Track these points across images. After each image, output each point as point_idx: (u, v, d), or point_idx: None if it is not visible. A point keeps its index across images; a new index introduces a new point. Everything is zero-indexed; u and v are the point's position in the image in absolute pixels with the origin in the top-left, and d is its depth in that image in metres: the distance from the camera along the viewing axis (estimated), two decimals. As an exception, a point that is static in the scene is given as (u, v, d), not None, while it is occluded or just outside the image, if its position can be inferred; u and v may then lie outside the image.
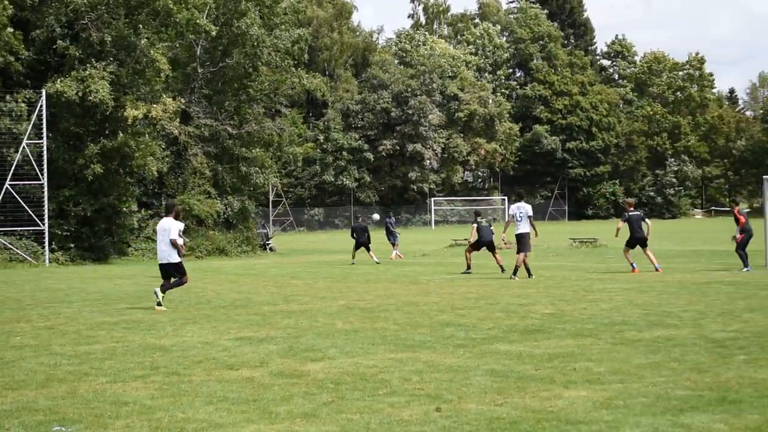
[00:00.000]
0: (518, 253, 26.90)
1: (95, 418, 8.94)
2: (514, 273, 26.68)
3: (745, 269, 27.91)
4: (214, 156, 49.62)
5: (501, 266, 28.96)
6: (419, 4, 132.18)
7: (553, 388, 10.00)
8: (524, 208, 27.15)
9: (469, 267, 30.25)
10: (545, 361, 11.72)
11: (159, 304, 19.47)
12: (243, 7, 46.97)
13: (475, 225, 30.64)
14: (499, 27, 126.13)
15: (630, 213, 29.06)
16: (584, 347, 12.84)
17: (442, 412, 8.88)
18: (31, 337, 15.17)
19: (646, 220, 29.21)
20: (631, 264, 28.32)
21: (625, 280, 25.46)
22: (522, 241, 26.82)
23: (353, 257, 37.91)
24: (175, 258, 19.79)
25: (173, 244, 19.61)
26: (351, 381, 10.61)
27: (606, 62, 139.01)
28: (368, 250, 37.45)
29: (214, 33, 44.76)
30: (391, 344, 13.51)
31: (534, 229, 27.18)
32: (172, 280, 20.05)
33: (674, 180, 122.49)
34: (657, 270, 27.82)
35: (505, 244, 31.03)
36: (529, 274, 26.80)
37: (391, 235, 42.54)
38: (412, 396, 9.69)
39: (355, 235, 38.06)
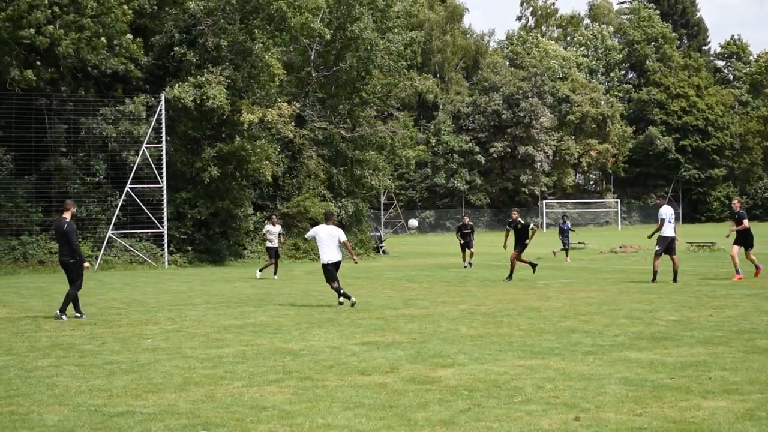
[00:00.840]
0: (673, 255, 26.68)
1: (237, 423, 9.09)
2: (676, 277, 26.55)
3: None
4: (328, 159, 49.98)
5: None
6: (528, 7, 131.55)
7: (690, 398, 9.89)
8: (672, 210, 27.21)
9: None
10: (678, 370, 11.58)
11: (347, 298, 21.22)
12: (357, 11, 47.25)
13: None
14: (611, 28, 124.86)
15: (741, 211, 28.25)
16: (716, 356, 12.66)
17: (582, 422, 8.84)
18: (162, 340, 15.46)
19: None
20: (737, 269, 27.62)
21: (747, 285, 24.99)
22: (673, 244, 26.74)
23: (463, 260, 38.08)
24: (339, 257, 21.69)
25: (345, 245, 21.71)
26: (484, 388, 10.62)
27: (720, 63, 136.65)
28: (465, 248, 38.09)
29: (328, 37, 45.08)
30: (519, 351, 13.48)
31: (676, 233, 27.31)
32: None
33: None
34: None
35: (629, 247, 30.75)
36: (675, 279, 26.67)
37: (566, 238, 42.61)
38: (548, 404, 9.66)
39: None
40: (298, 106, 46.48)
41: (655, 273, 26.70)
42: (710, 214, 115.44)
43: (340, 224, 49.09)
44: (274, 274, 32.52)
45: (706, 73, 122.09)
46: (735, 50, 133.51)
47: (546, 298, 22.15)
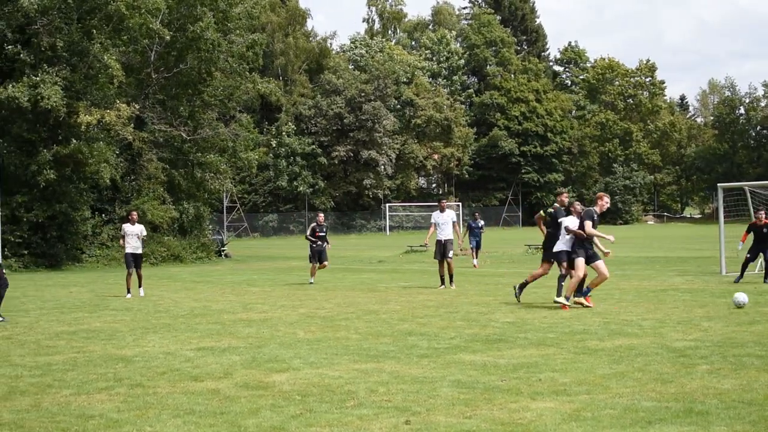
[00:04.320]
0: (448, 259, 26.60)
1: (61, 433, 8.85)
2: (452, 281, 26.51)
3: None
4: (169, 161, 49.35)
5: None
6: (375, 10, 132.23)
7: (520, 399, 10.01)
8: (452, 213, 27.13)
9: None
10: (510, 372, 11.72)
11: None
12: (198, 11, 46.66)
13: None
14: (454, 33, 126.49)
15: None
16: (548, 357, 12.87)
17: (412, 425, 8.86)
18: (-10, 348, 15.00)
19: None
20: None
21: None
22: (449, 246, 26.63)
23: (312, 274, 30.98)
24: None
25: None
26: (318, 393, 10.56)
27: (558, 68, 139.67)
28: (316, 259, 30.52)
29: (168, 38, 44.50)
30: (355, 354, 13.47)
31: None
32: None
33: (626, 186, 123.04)
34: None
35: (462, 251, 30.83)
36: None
37: (476, 237, 38.79)
38: (380, 408, 9.66)
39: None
40: (138, 107, 45.69)
41: (442, 278, 26.66)
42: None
43: (181, 228, 48.75)
44: (139, 286, 25.96)
45: (545, 78, 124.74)
46: (572, 56, 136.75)
47: (385, 302, 22.23)
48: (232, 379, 11.60)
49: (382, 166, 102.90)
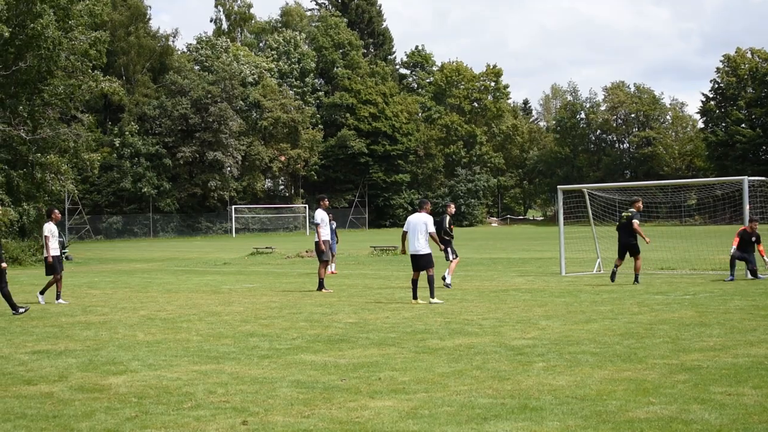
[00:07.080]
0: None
1: None
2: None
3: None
4: (7, 162, 48.10)
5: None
6: (222, 11, 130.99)
7: (359, 398, 10.03)
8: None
9: None
10: (350, 371, 11.75)
11: None
12: (38, 8, 45.55)
13: None
14: (304, 35, 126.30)
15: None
16: (388, 356, 12.93)
17: (249, 425, 8.81)
18: None
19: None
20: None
21: (426, 288, 25.73)
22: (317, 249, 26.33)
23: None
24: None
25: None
26: (155, 395, 10.42)
27: (405, 71, 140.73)
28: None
29: (6, 34, 43.35)
30: (195, 356, 13.34)
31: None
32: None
33: (469, 189, 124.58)
34: None
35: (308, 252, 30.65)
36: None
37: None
38: (217, 409, 9.57)
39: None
40: (-26, 106, 44.43)
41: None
42: (394, 220, 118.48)
43: (21, 229, 47.59)
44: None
45: (392, 81, 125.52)
46: (419, 60, 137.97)
47: (228, 303, 22.07)
48: (67, 382, 11.35)
49: (228, 168, 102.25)
